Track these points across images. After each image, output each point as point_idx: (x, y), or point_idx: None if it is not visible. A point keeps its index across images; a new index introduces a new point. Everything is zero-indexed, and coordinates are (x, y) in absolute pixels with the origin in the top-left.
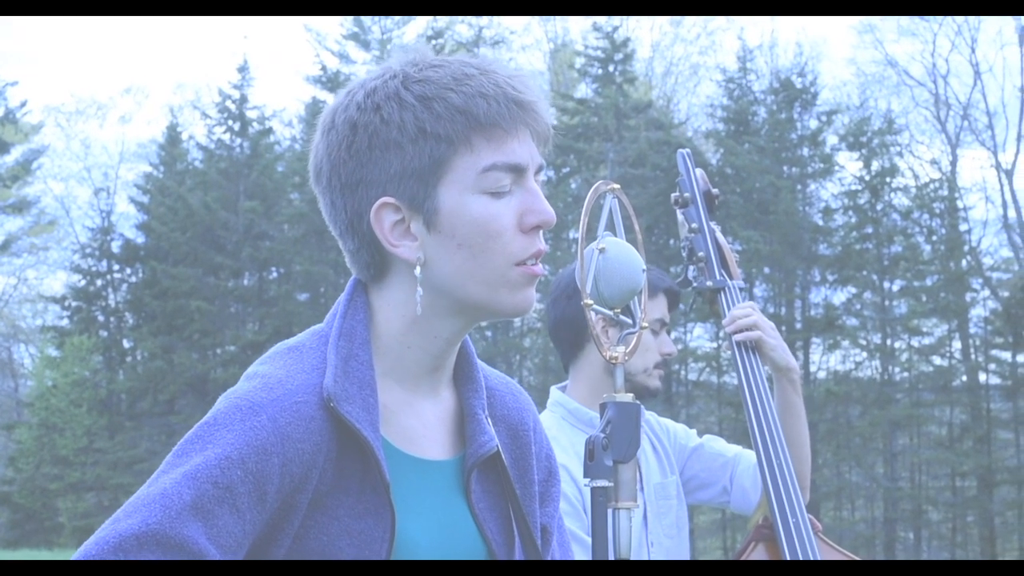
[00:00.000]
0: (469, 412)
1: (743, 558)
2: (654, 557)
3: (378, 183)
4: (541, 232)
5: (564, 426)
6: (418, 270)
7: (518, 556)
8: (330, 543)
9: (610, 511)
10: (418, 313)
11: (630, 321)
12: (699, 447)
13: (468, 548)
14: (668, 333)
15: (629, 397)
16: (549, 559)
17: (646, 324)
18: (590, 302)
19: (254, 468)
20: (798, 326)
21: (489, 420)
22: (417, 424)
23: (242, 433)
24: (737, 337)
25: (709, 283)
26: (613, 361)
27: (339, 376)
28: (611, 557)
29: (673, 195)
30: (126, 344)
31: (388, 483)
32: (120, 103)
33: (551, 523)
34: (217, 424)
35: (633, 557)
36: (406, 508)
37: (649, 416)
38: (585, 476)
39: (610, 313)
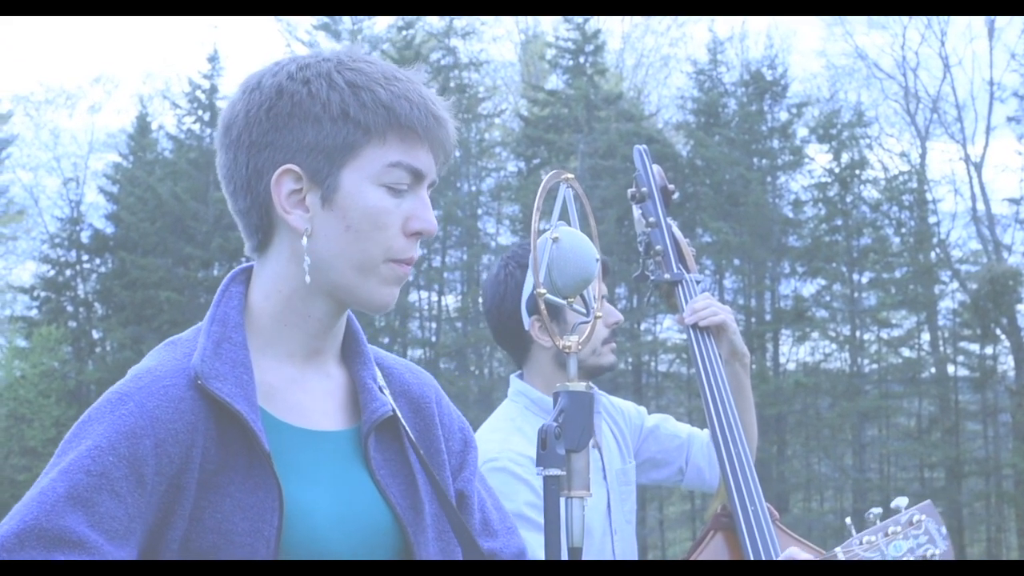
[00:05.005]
0: (360, 383)
1: (701, 547)
2: (617, 545)
3: (287, 149)
4: (419, 241)
5: (528, 416)
6: (305, 240)
7: (430, 519)
8: (224, 519)
9: (563, 500)
10: (308, 282)
11: (583, 311)
12: (655, 428)
13: (370, 515)
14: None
15: (582, 386)
16: (474, 523)
17: (599, 314)
18: (543, 291)
19: (126, 452)
20: (767, 318)
21: (386, 391)
22: (306, 398)
23: (111, 423)
24: (703, 322)
25: (667, 276)
26: (567, 351)
27: (208, 356)
28: (564, 546)
29: (630, 190)
30: (95, 335)
31: (268, 453)
32: (90, 92)
33: (468, 488)
34: (89, 420)
35: (598, 547)
36: (300, 479)
37: (603, 398)
38: (538, 465)
39: (563, 302)
